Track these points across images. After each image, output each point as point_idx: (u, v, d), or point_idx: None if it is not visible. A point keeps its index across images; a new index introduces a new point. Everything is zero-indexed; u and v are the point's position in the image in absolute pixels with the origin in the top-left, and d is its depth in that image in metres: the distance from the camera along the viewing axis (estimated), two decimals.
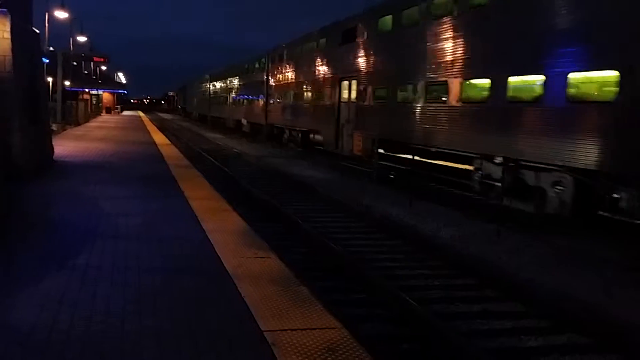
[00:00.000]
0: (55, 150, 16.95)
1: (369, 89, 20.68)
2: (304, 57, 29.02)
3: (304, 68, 28.76)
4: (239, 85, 46.56)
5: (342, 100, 23.41)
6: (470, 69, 14.81)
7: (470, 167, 14.72)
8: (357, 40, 21.94)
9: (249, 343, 4.39)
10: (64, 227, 8.22)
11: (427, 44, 16.67)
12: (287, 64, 32.30)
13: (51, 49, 41.54)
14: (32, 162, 13.06)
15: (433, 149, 16.28)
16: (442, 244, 10.63)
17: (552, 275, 8.73)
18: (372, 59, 20.84)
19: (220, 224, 8.64)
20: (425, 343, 6.31)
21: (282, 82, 33.20)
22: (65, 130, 31.32)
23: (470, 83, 15.01)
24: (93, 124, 43.16)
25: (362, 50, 21.56)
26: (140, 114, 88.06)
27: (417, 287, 8.20)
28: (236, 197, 13.84)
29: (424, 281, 8.57)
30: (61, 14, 35.98)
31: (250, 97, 41.76)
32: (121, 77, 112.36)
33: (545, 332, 6.81)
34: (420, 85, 17.05)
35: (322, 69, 26.07)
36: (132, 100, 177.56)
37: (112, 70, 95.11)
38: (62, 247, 7.04)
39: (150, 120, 63.37)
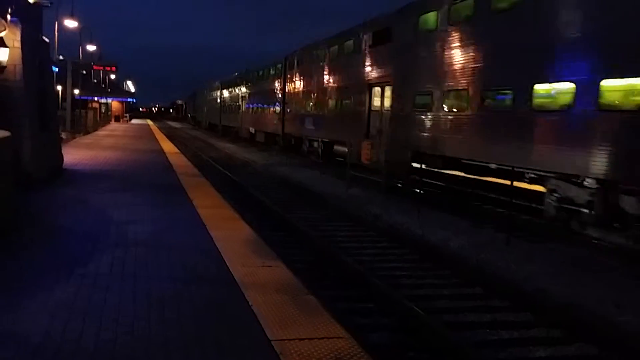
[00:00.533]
0: (64, 158, 17.05)
1: (408, 96, 18.25)
2: (327, 62, 26.42)
3: (327, 74, 26.24)
4: (253, 92, 43.84)
5: (372, 108, 21.08)
6: (551, 69, 12.26)
7: (542, 189, 12.88)
8: (392, 41, 19.53)
9: (257, 352, 4.40)
10: (73, 234, 8.26)
11: (482, 43, 14.56)
12: (307, 69, 29.67)
13: (61, 57, 41.86)
14: (41, 170, 13.15)
15: (492, 166, 14.19)
16: (452, 253, 10.60)
17: (562, 285, 8.68)
18: (411, 62, 18.13)
19: (228, 232, 8.66)
20: (433, 353, 6.28)
21: (301, 90, 30.75)
22: (74, 138, 31.50)
23: (551, 87, 12.60)
24: (102, 132, 43.41)
25: (399, 53, 19.03)
26: (149, 122, 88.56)
27: (426, 297, 8.18)
28: (244, 205, 13.87)
29: (433, 290, 8.54)
30: (71, 23, 36.19)
31: (265, 105, 39.12)
32: (130, 86, 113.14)
33: (554, 342, 6.77)
34: (476, 91, 14.69)
35: (348, 75, 23.60)
36: (140, 109, 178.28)
37: (121, 78, 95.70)
38: (72, 254, 7.08)
39: (159, 128, 63.66)
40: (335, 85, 25.15)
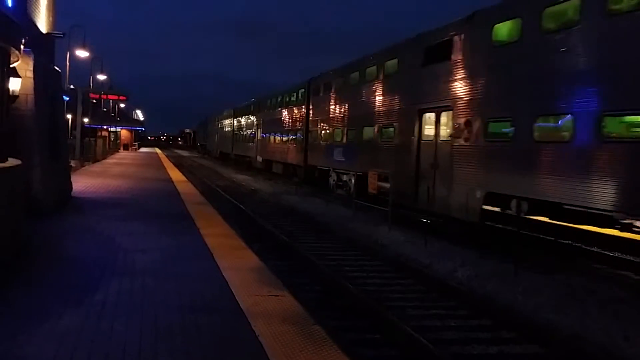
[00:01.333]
0: (73, 186, 17.18)
1: (477, 123, 14.69)
2: (363, 85, 22.80)
3: (363, 99, 22.60)
4: (270, 120, 40.49)
5: (423, 138, 17.58)
6: None
7: None
8: (452, 57, 15.97)
9: None
10: (81, 263, 8.30)
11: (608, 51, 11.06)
12: (337, 94, 26.33)
13: (71, 86, 42.34)
14: (51, 198, 13.25)
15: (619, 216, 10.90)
16: (458, 283, 10.55)
17: (570, 316, 8.62)
18: (481, 81, 14.77)
19: (236, 261, 8.68)
20: None
21: (329, 117, 27.16)
22: (83, 166, 31.74)
23: None
24: (111, 160, 43.72)
25: (463, 71, 15.53)
26: (157, 150, 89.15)
27: (433, 328, 8.13)
28: (251, 235, 13.89)
29: (440, 321, 8.49)
30: (82, 53, 36.75)
31: (283, 134, 36.12)
32: (139, 115, 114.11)
33: None
34: (588, 117, 11.21)
35: (391, 99, 20.19)
36: (148, 137, 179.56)
37: (130, 107, 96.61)
38: (80, 283, 7.11)
39: (167, 157, 63.99)
40: (374, 111, 21.52)
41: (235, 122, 56.80)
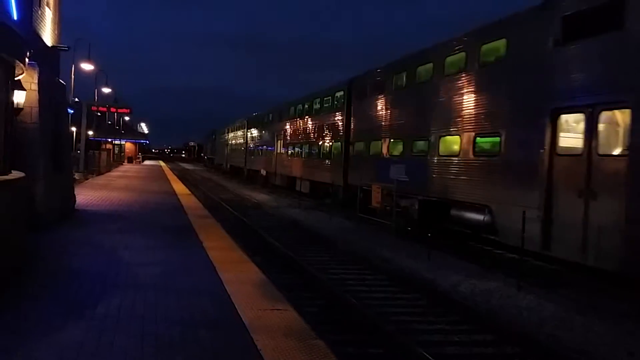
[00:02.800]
0: (77, 199, 17.21)
1: None
2: (439, 80, 17.46)
3: (441, 98, 17.19)
4: (294, 130, 34.65)
5: (561, 151, 12.10)
6: None
7: None
8: (625, 24, 10.61)
9: None
10: (83, 276, 8.29)
11: None
12: (394, 96, 20.76)
13: (76, 99, 42.59)
14: (54, 211, 13.26)
15: None
16: (462, 298, 10.49)
17: (574, 332, 8.55)
18: None
19: (238, 274, 8.65)
20: None
21: (381, 124, 21.41)
22: (87, 179, 31.82)
23: None
24: (115, 173, 43.82)
25: None
26: (161, 163, 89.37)
27: (436, 343, 8.07)
28: (253, 246, 13.86)
29: (444, 336, 8.43)
30: (87, 66, 37.00)
31: (313, 147, 30.48)
32: (143, 127, 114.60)
33: None
34: None
35: (493, 97, 14.85)
36: (152, 150, 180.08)
37: (135, 119, 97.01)
38: (81, 296, 7.10)
39: (171, 169, 64.08)
40: (459, 115, 16.09)
41: (249, 133, 51.32)
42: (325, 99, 29.29)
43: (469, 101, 15.75)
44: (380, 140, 21.47)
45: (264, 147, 43.47)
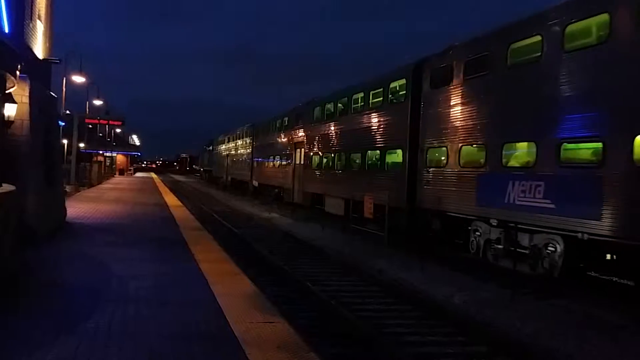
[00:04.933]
0: (68, 211, 17.11)
1: None
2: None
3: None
4: (322, 136, 26.58)
5: None
6: None
7: None
8: None
9: None
10: (74, 290, 8.23)
11: None
12: (521, 72, 13.17)
13: (67, 112, 42.40)
14: (45, 224, 13.16)
15: None
16: (455, 309, 10.47)
17: (568, 343, 8.54)
18: None
19: (230, 287, 8.60)
20: None
21: (495, 120, 13.94)
22: (78, 191, 31.64)
23: None
24: (106, 185, 43.64)
25: None
26: (153, 175, 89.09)
27: (431, 355, 8.04)
28: (243, 256, 13.80)
29: (437, 348, 8.40)
30: (78, 79, 36.89)
31: (350, 154, 22.98)
32: (135, 140, 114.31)
33: None
34: None
35: None
36: (144, 163, 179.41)
37: (127, 132, 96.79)
38: (72, 310, 7.03)
39: (163, 181, 63.87)
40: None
41: (255, 142, 43.15)
42: (372, 93, 21.57)
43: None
44: (485, 144, 14.26)
45: (277, 157, 35.30)
